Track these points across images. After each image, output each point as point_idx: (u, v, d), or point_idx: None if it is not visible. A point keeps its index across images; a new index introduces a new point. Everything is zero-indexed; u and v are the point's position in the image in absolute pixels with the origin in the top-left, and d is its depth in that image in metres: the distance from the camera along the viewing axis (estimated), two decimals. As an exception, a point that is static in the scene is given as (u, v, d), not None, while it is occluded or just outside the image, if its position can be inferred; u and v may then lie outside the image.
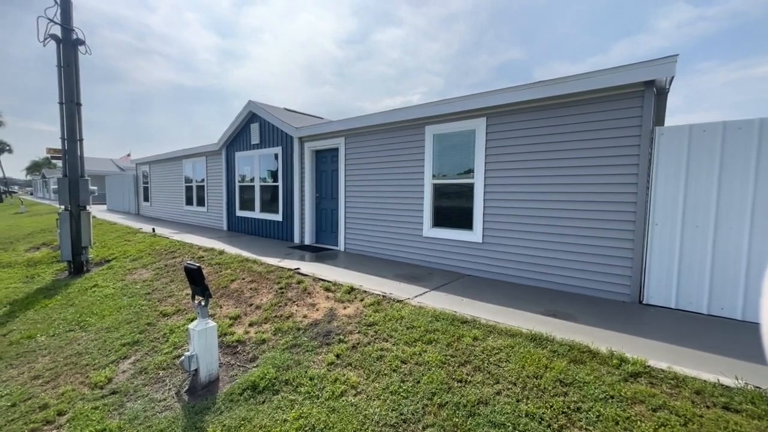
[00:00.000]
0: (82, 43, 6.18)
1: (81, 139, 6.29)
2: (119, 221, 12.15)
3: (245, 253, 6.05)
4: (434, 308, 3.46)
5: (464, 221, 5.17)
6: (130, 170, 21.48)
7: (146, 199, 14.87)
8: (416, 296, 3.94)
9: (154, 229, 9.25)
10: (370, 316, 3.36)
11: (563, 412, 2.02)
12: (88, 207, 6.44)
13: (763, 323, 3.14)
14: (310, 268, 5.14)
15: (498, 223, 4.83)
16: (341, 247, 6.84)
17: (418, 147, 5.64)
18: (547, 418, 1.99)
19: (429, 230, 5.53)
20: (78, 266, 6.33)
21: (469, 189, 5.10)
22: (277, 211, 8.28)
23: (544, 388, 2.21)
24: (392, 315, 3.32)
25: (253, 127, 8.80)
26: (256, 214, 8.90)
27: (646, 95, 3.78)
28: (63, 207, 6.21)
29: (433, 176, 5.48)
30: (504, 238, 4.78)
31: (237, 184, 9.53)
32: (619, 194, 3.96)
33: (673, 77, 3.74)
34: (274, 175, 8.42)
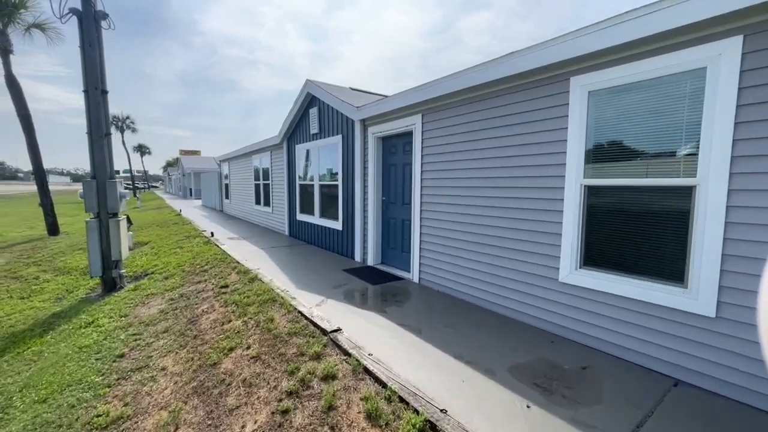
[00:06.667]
0: (106, 16, 5.11)
1: (108, 134, 5.29)
2: (196, 219, 11.99)
3: (279, 284, 4.31)
4: None
5: (661, 261, 2.51)
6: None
7: (227, 196, 14.84)
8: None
9: (212, 234, 8.38)
10: None
11: None
12: (119, 214, 5.47)
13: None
14: (359, 326, 3.09)
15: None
16: (414, 275, 4.65)
17: (552, 119, 3.09)
18: None
19: (573, 272, 2.97)
20: (110, 283, 5.42)
21: (675, 195, 2.42)
22: (336, 218, 6.48)
23: None
24: None
25: (312, 113, 7.12)
26: (316, 219, 7.26)
27: None
28: (91, 215, 5.32)
29: (585, 171, 2.89)
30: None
31: (297, 183, 8.05)
32: None
33: None
34: (333, 171, 6.62)
